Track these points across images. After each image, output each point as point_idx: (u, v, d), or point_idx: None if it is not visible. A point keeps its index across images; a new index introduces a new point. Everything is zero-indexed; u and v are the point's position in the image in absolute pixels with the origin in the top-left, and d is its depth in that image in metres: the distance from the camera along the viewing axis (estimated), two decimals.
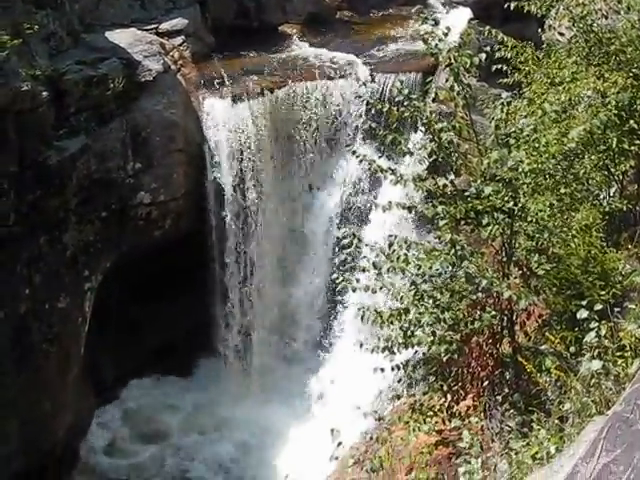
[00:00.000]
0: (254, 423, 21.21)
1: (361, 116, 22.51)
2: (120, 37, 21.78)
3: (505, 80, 14.73)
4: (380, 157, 11.88)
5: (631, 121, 12.31)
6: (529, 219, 11.13)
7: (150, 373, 23.06)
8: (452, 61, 10.98)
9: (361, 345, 12.51)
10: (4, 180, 18.47)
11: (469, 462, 8.10)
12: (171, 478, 20.94)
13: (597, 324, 8.05)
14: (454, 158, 11.44)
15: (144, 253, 21.09)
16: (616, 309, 8.95)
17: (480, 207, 11.04)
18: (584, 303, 9.10)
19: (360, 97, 22.23)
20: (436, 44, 10.80)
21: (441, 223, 11.41)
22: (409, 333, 11.56)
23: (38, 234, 19.34)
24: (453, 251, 11.13)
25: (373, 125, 19.34)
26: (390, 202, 12.13)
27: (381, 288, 12.07)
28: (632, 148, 12.48)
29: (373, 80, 22.48)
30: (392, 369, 11.65)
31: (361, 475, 10.75)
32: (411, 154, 11.94)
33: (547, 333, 10.66)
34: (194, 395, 22.82)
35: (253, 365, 22.93)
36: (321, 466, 12.65)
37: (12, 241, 18.79)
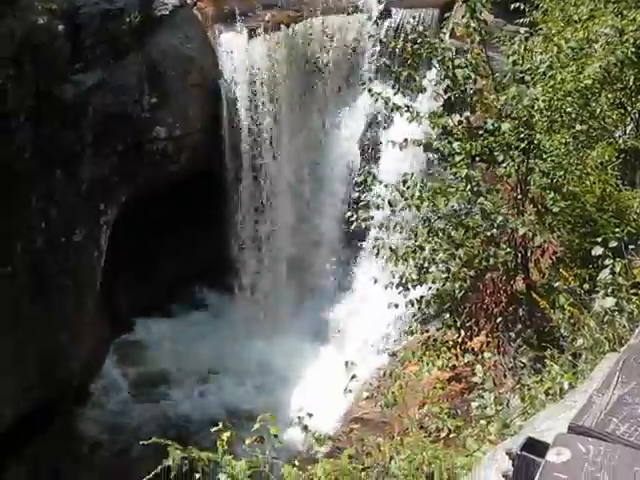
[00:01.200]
0: (267, 358, 21.36)
1: (376, 52, 22.35)
2: None
3: (522, 20, 14.61)
4: (395, 94, 11.82)
5: None
6: (544, 156, 11.13)
7: (165, 307, 23.21)
8: None
9: (375, 281, 12.60)
10: (20, 114, 18.51)
11: (482, 397, 8.18)
12: (182, 415, 21.12)
13: (611, 261, 8.08)
14: (470, 95, 11.41)
15: (160, 187, 21.13)
16: (630, 247, 8.98)
17: (495, 144, 11.04)
18: (599, 240, 9.13)
19: (373, 35, 22.10)
20: None
21: (456, 160, 11.42)
22: (423, 270, 11.63)
23: (54, 168, 19.42)
24: (468, 188, 11.15)
25: (388, 62, 19.33)
26: (406, 139, 12.14)
27: (395, 226, 12.13)
28: None
29: (390, 15, 22.27)
30: (406, 305, 11.74)
31: (374, 410, 10.89)
32: (426, 91, 11.91)
33: (561, 270, 10.69)
34: (207, 329, 22.97)
35: (267, 301, 23.06)
36: (335, 400, 12.80)
37: (28, 175, 18.87)
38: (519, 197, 11.47)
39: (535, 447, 3.01)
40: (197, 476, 9.59)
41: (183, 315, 23.35)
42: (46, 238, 19.51)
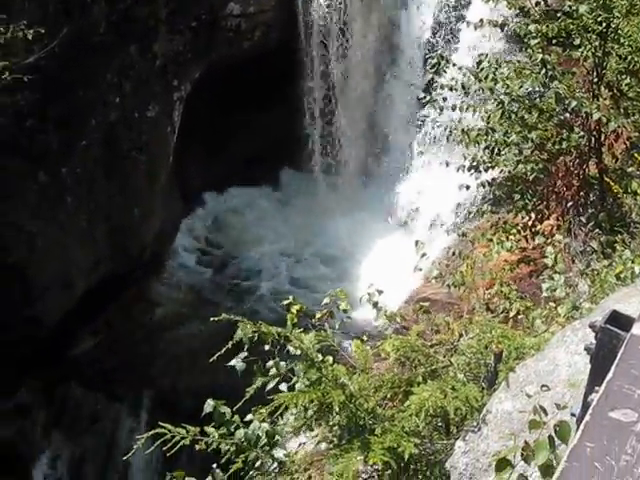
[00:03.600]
0: (338, 236, 21.48)
1: None
2: None
3: None
4: None
5: None
6: (622, 40, 10.96)
7: (236, 183, 23.36)
8: None
9: (447, 164, 12.63)
10: None
11: (552, 278, 8.25)
12: (252, 290, 21.37)
13: None
14: None
15: (233, 65, 21.12)
16: None
17: (572, 27, 10.89)
18: None
19: None
20: None
21: (532, 42, 11.29)
22: (495, 152, 11.63)
23: (128, 43, 19.50)
24: (543, 71, 11.05)
25: None
26: (482, 19, 12.01)
27: (467, 108, 12.09)
28: None
29: None
30: (477, 187, 11.78)
31: (441, 290, 11.03)
32: None
33: (635, 156, 10.64)
34: (279, 207, 23.13)
35: (339, 179, 23.10)
36: (403, 279, 12.96)
37: (103, 50, 18.97)
38: (595, 81, 11.36)
39: (619, 320, 3.04)
40: (266, 347, 9.88)
41: (254, 192, 23.49)
42: (120, 113, 19.69)
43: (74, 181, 19.10)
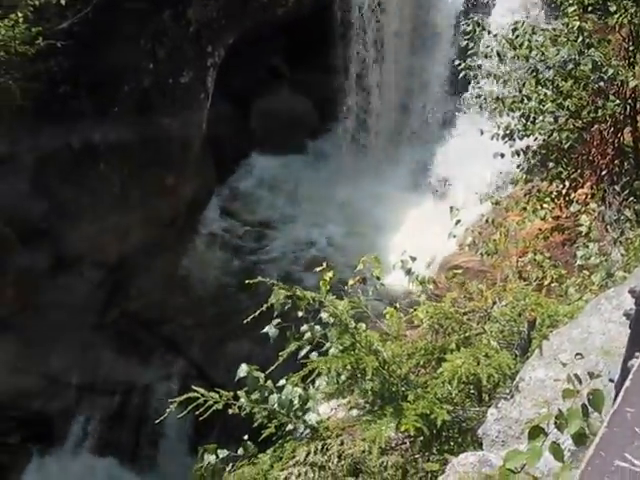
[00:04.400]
0: (372, 201, 21.39)
1: None
2: None
3: None
4: None
5: None
6: None
7: (268, 151, 23.30)
8: None
9: (482, 133, 12.55)
10: None
11: (586, 246, 8.22)
12: (284, 256, 21.37)
13: None
14: None
15: (266, 30, 21.07)
16: None
17: None
18: None
19: None
20: None
21: (569, 10, 11.19)
22: (530, 120, 11.56)
23: (163, 9, 19.48)
24: (580, 39, 10.95)
25: None
26: None
27: (498, 80, 12.00)
28: None
29: None
30: (512, 155, 11.71)
31: (474, 258, 11.01)
32: None
33: None
34: (310, 172, 23.07)
35: (371, 145, 23.00)
36: (437, 246, 12.93)
37: (137, 16, 18.96)
38: (631, 49, 11.25)
39: None
40: (300, 314, 9.91)
41: (286, 159, 23.44)
42: (153, 79, 19.70)
43: (107, 147, 19.15)
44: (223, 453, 6.82)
